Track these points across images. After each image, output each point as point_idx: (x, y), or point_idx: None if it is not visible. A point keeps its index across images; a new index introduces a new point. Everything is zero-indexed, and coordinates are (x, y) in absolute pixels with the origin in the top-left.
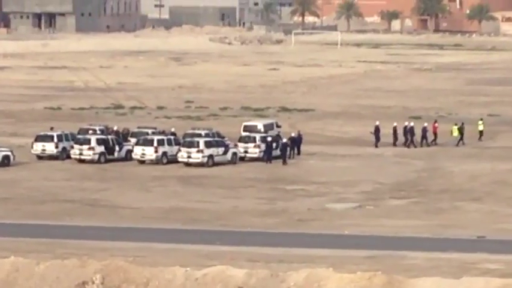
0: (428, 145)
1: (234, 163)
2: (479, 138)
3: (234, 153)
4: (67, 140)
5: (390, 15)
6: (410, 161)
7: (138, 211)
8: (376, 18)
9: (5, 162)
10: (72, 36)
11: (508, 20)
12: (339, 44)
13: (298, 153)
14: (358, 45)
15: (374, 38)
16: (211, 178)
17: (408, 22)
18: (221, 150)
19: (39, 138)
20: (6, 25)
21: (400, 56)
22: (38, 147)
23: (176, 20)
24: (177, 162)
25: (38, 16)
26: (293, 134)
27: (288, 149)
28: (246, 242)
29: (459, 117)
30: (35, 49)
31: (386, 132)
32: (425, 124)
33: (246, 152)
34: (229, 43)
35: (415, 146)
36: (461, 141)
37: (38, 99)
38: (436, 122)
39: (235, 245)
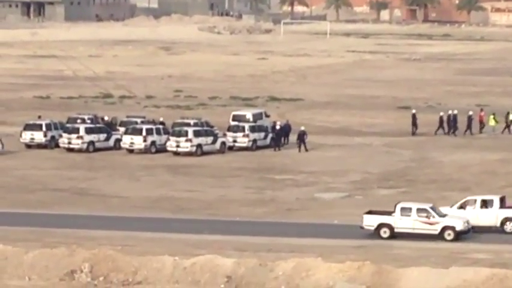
0: (471, 134)
1: (223, 152)
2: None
3: (223, 143)
4: (56, 128)
5: (379, 5)
6: (399, 150)
7: (127, 200)
8: (365, 8)
9: None
10: (61, 25)
11: (497, 10)
12: (328, 34)
13: (287, 142)
14: (347, 35)
15: (363, 28)
16: (200, 167)
17: (397, 12)
18: (210, 139)
19: (28, 127)
20: None
21: (389, 46)
22: (27, 136)
23: (165, 9)
24: (166, 151)
25: (27, 5)
26: (278, 123)
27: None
28: (235, 231)
29: (448, 107)
30: (24, 38)
31: (379, 122)
32: (471, 113)
33: (234, 141)
34: (218, 33)
35: (456, 135)
36: (506, 130)
37: (27, 88)
38: (482, 110)
39: (223, 234)
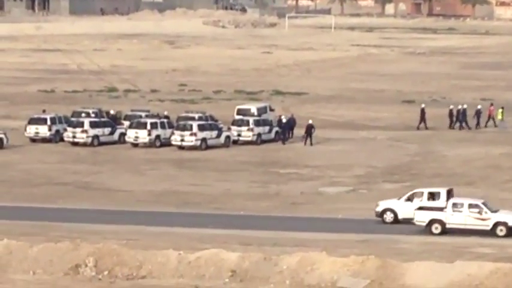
0: (478, 127)
1: (227, 146)
2: None
3: (228, 137)
4: (60, 122)
5: None
6: (403, 144)
7: (131, 194)
8: (370, 2)
9: None
10: (66, 19)
11: (502, 4)
12: (333, 28)
13: (291, 136)
14: (352, 28)
15: (368, 21)
16: (205, 161)
17: (402, 6)
18: (214, 133)
19: (33, 121)
20: (0, 7)
21: (394, 39)
22: (32, 130)
23: (170, 3)
24: (171, 145)
25: None
26: (283, 117)
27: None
28: (239, 226)
29: (452, 102)
30: (29, 32)
31: (383, 116)
32: (479, 107)
33: (239, 135)
34: (223, 26)
35: (469, 128)
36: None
37: (32, 81)
38: (492, 105)
39: (228, 228)
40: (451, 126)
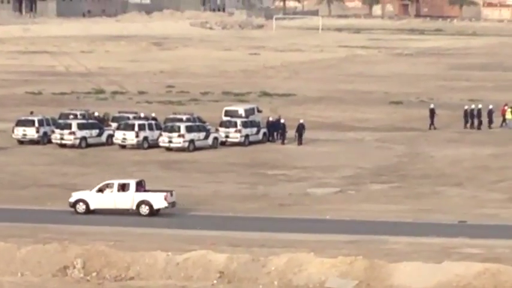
0: (490, 127)
1: (215, 148)
2: None
3: (215, 138)
4: (48, 124)
5: (371, 0)
6: (391, 145)
7: None
8: (357, 3)
9: None
10: (53, 20)
11: (489, 5)
12: (320, 29)
13: (278, 137)
14: (339, 30)
15: (355, 23)
16: (192, 163)
17: (389, 7)
18: (202, 135)
19: (20, 123)
20: None
21: (381, 41)
22: (19, 131)
23: (157, 4)
24: (158, 147)
25: (18, 1)
26: (271, 119)
27: (268, 133)
28: (227, 227)
29: (440, 103)
30: (16, 34)
31: (371, 117)
32: (491, 106)
33: (227, 136)
34: (210, 28)
35: (480, 128)
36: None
37: (19, 83)
38: (506, 105)
39: (216, 230)
40: (465, 126)
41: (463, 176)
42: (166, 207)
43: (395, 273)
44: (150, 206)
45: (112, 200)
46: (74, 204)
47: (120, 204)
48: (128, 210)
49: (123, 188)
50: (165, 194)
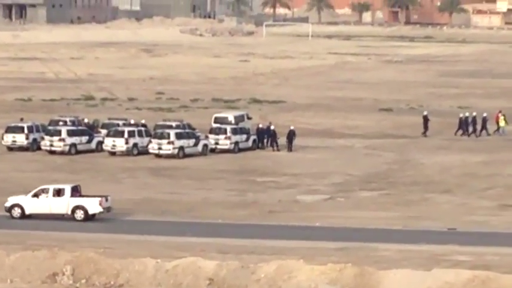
0: (488, 134)
1: (205, 155)
2: None
3: (205, 145)
4: (38, 131)
5: (361, 7)
6: (380, 152)
7: None
8: (347, 10)
9: None
10: (43, 27)
11: (479, 12)
12: (310, 36)
13: (268, 145)
14: (329, 37)
15: (345, 30)
16: (182, 169)
17: (379, 14)
18: (192, 141)
19: (10, 130)
20: None
21: (371, 48)
22: (9, 138)
23: (147, 11)
24: (148, 153)
25: (8, 7)
26: (261, 125)
27: (258, 140)
28: (217, 234)
29: (430, 110)
30: (6, 40)
31: (361, 124)
32: (485, 114)
33: (216, 143)
34: (200, 35)
35: (476, 136)
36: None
37: (9, 90)
38: (500, 112)
39: (205, 237)
40: (463, 134)
41: (452, 183)
42: (101, 213)
43: (384, 280)
44: (85, 211)
45: (47, 205)
46: (9, 209)
47: (55, 209)
48: (63, 215)
49: (58, 193)
50: (100, 199)
